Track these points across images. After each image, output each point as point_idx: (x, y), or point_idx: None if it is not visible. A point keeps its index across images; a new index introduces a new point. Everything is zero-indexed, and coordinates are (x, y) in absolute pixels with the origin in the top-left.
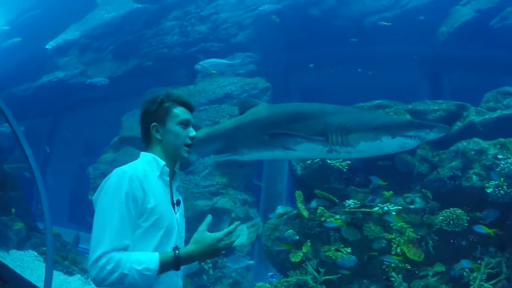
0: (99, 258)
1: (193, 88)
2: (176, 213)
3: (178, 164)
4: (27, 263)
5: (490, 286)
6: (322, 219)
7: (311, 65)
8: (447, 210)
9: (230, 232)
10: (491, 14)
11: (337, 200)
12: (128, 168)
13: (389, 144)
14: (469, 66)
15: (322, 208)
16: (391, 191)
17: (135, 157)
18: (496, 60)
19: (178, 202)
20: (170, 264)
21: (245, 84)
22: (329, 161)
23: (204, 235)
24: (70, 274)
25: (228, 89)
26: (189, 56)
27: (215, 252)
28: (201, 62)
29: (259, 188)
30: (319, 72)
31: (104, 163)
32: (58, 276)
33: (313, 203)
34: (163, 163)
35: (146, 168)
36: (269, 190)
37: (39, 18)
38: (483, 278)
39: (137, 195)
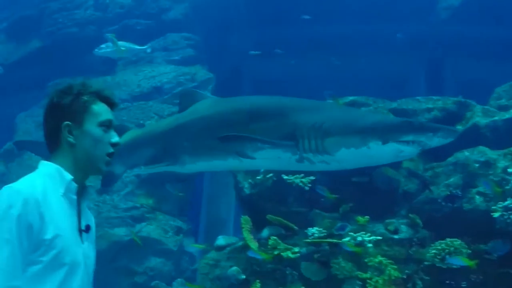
0: None
1: (111, 80)
2: (83, 243)
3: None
4: None
5: None
6: (276, 252)
7: (278, 50)
8: (442, 242)
9: None
10: None
11: (296, 228)
12: (22, 186)
13: (379, 151)
14: (479, 52)
15: (275, 238)
16: (367, 216)
17: (32, 169)
18: None
19: (87, 228)
20: None
21: (180, 75)
22: (285, 177)
23: None
24: None
25: (158, 81)
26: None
27: None
28: (102, 45)
29: (199, 212)
30: (279, 59)
31: None
32: None
33: (265, 232)
34: (69, 177)
35: (46, 184)
36: (211, 215)
37: None
38: None
39: (32, 222)
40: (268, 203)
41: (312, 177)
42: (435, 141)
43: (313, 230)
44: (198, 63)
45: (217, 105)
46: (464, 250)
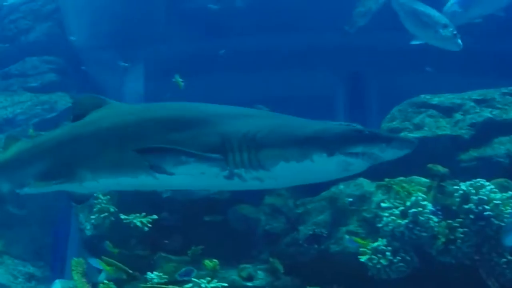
0: None
1: None
2: None
3: None
4: None
5: None
6: None
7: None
8: None
9: None
10: None
11: (136, 273)
12: None
13: (324, 165)
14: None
15: (110, 283)
16: (215, 260)
17: None
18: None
19: None
20: None
21: (37, 104)
22: (123, 216)
23: None
24: None
25: (10, 113)
26: None
27: None
28: None
29: (58, 256)
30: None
31: None
32: None
33: (102, 276)
34: None
35: None
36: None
37: None
38: None
39: None
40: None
41: (154, 216)
42: (389, 153)
43: (153, 275)
44: (63, 89)
45: (126, 112)
46: None
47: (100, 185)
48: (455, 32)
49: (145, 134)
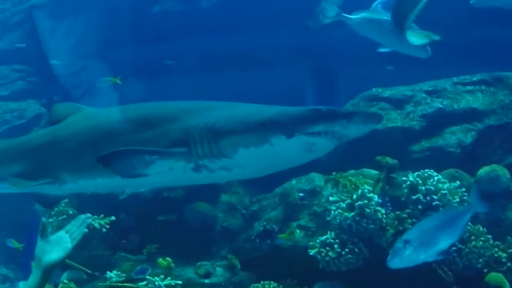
0: None
1: None
2: None
3: None
4: None
5: None
6: None
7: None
8: (256, 285)
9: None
10: None
11: (96, 273)
12: None
13: (285, 148)
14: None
15: (70, 282)
16: (168, 258)
17: None
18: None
19: None
20: None
21: (6, 112)
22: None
23: None
24: None
25: None
26: None
27: None
28: None
29: (30, 258)
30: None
31: None
32: None
33: (64, 276)
34: None
35: None
36: None
37: None
38: None
39: None
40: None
41: (113, 217)
42: (353, 129)
43: (112, 274)
44: (33, 97)
45: (98, 116)
46: None
47: (79, 187)
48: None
49: (115, 136)
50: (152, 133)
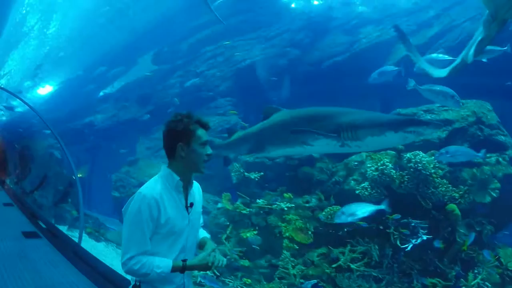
0: (129, 259)
1: None
2: (189, 214)
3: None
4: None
5: (352, 265)
6: (238, 210)
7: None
8: (329, 208)
9: (212, 250)
10: None
11: (252, 200)
12: (147, 192)
13: (392, 138)
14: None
15: (239, 204)
16: (289, 194)
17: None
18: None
19: (191, 205)
20: (178, 270)
21: (221, 122)
22: (247, 174)
23: (199, 255)
24: (98, 241)
25: (218, 125)
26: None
27: (206, 266)
28: None
29: None
30: None
31: (121, 173)
32: (90, 242)
33: (238, 201)
34: (177, 178)
35: (163, 184)
36: None
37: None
38: (348, 260)
39: (154, 214)
40: (242, 187)
41: (261, 173)
42: (428, 131)
43: (259, 201)
44: (234, 113)
45: (289, 114)
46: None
47: (276, 153)
48: (458, 99)
49: (297, 125)
50: (319, 124)
